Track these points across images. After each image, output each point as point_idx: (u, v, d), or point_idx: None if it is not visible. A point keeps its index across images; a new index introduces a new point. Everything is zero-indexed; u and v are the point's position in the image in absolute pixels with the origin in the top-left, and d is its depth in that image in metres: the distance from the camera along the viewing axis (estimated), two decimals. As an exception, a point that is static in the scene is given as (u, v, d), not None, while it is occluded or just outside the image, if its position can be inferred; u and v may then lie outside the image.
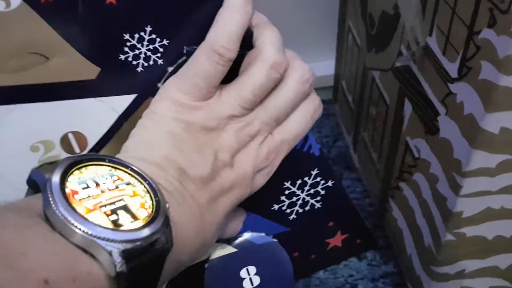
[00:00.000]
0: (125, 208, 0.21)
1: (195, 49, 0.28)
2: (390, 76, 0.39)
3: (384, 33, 0.40)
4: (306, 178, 0.36)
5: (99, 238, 0.19)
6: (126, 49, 0.26)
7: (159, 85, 0.28)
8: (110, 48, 0.26)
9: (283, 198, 0.36)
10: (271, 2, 0.59)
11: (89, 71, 0.26)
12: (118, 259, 0.19)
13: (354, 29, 0.49)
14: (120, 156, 0.25)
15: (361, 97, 0.49)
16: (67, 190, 0.20)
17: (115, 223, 0.20)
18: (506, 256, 0.36)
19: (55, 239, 0.19)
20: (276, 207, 0.36)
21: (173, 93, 0.26)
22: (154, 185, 0.23)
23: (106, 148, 0.29)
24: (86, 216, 0.20)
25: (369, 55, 0.45)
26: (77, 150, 0.28)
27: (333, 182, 0.37)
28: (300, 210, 0.38)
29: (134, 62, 0.27)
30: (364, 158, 0.51)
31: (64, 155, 0.28)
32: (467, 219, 0.33)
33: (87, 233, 0.19)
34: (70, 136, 0.28)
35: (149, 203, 0.22)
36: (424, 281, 0.39)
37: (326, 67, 0.62)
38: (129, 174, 0.23)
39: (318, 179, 0.36)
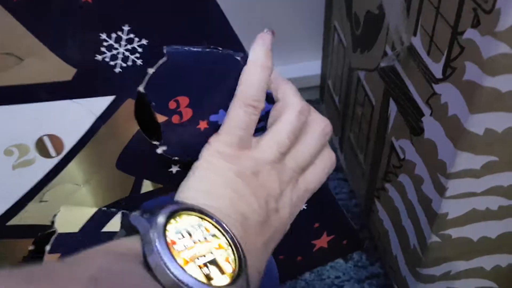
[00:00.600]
0: (214, 261, 0.23)
1: (175, 49, 0.27)
2: (376, 77, 0.39)
3: (369, 33, 0.39)
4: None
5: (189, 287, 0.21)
6: (103, 49, 0.25)
7: (140, 88, 0.27)
8: (86, 48, 0.25)
9: (267, 200, 0.36)
10: (258, 4, 0.58)
11: (65, 72, 0.25)
12: None
13: (340, 29, 0.48)
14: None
15: (347, 97, 0.49)
16: (168, 240, 0.22)
17: (208, 277, 0.22)
18: (491, 257, 0.36)
19: (153, 283, 0.21)
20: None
21: (219, 147, 0.28)
22: (235, 238, 0.24)
23: (84, 152, 0.28)
24: (184, 268, 0.21)
25: (355, 55, 0.44)
26: (53, 153, 0.27)
27: (318, 183, 0.36)
28: (285, 212, 0.37)
29: (112, 63, 0.26)
30: (350, 158, 0.51)
31: (39, 158, 0.27)
32: (452, 221, 0.33)
33: (186, 285, 0.21)
34: (46, 139, 0.27)
35: (232, 256, 0.23)
36: (410, 283, 0.39)
37: (313, 67, 0.62)
38: (214, 225, 0.24)
39: (303, 180, 0.36)
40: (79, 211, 0.30)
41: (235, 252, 0.24)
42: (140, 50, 0.26)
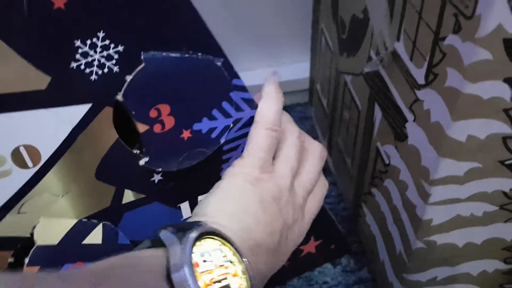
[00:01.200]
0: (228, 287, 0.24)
1: (153, 55, 0.27)
2: (361, 81, 0.39)
3: (354, 37, 0.39)
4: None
5: None
6: (78, 56, 0.25)
7: (118, 97, 0.27)
8: (60, 55, 0.25)
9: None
10: (247, 7, 0.58)
11: (39, 80, 0.25)
12: None
13: (327, 32, 0.48)
14: (207, 220, 0.27)
15: (335, 101, 0.49)
16: (193, 261, 0.23)
17: None
18: (477, 263, 0.36)
19: None
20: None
21: (244, 169, 0.30)
22: (248, 266, 0.25)
23: (61, 162, 0.27)
24: None
25: (341, 59, 0.44)
26: (30, 164, 0.27)
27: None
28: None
29: (87, 70, 0.25)
30: (338, 162, 0.51)
31: (15, 169, 0.27)
32: (437, 227, 0.32)
33: None
34: (22, 149, 0.26)
35: (244, 284, 0.25)
36: (396, 288, 0.39)
37: (302, 69, 0.61)
38: (233, 252, 0.25)
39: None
40: (59, 223, 0.29)
41: (248, 281, 0.25)
42: (116, 56, 0.26)
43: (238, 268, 0.25)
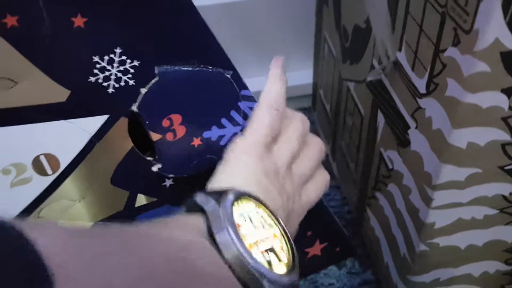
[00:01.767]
0: (273, 249, 0.24)
1: (166, 69, 0.28)
2: (364, 88, 0.40)
3: (357, 46, 0.40)
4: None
5: (257, 271, 0.22)
6: (96, 71, 0.26)
7: (133, 108, 0.28)
8: (80, 71, 0.26)
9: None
10: (252, 15, 0.59)
11: (59, 94, 0.26)
12: None
13: (330, 40, 0.49)
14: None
15: (338, 106, 0.50)
16: (235, 221, 0.23)
17: (269, 263, 0.23)
18: (479, 264, 0.37)
19: (218, 260, 0.22)
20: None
21: (246, 145, 0.30)
22: (287, 230, 0.25)
23: (79, 169, 0.29)
24: (250, 250, 0.22)
25: (344, 67, 0.45)
26: (49, 171, 0.28)
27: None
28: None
29: (105, 84, 0.27)
30: (342, 166, 0.52)
31: (36, 177, 0.28)
32: (440, 230, 0.34)
33: (250, 264, 0.22)
34: (42, 158, 0.28)
35: (285, 247, 0.25)
36: (400, 290, 0.40)
37: (306, 75, 0.62)
38: (269, 214, 0.25)
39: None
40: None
41: (287, 243, 0.25)
42: (132, 71, 0.27)
43: (276, 230, 0.25)
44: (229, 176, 0.29)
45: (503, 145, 0.28)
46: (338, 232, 0.42)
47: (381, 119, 0.38)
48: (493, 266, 0.38)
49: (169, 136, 0.30)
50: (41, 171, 0.28)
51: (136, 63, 0.27)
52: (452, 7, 0.25)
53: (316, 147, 0.34)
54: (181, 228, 0.22)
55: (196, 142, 0.31)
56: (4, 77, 0.24)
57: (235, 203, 0.24)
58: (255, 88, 0.33)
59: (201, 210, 0.24)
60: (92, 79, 0.26)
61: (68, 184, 0.29)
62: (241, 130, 0.32)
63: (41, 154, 0.27)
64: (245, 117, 0.32)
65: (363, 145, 0.43)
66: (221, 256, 0.22)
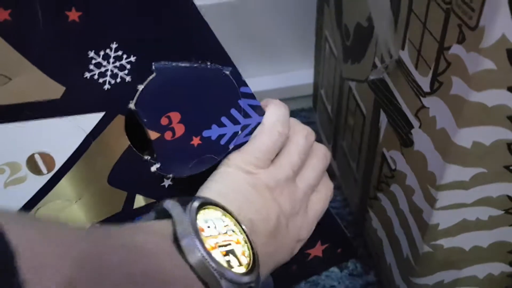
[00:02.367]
0: (233, 252, 0.25)
1: (164, 65, 0.27)
2: (366, 87, 0.39)
3: (359, 44, 0.39)
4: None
5: (216, 271, 0.23)
6: (92, 66, 0.26)
7: (130, 105, 0.28)
8: (75, 66, 0.25)
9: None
10: (252, 14, 0.59)
11: (54, 90, 0.25)
12: None
13: (331, 40, 0.49)
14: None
15: (339, 106, 0.49)
16: (198, 226, 0.24)
17: (228, 264, 0.24)
18: (484, 266, 0.36)
19: (182, 264, 0.23)
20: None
21: (238, 162, 0.31)
22: (250, 238, 0.27)
23: (75, 168, 0.28)
24: (211, 252, 0.24)
25: (346, 66, 0.45)
26: (44, 171, 0.27)
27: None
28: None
29: (101, 80, 0.26)
30: (343, 166, 0.51)
31: (30, 176, 0.27)
32: (444, 231, 0.33)
33: (211, 265, 0.23)
34: (37, 157, 0.27)
35: (247, 252, 0.26)
36: (403, 292, 0.39)
37: (306, 75, 0.62)
38: (233, 222, 0.27)
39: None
40: (71, 228, 0.30)
41: (250, 249, 0.26)
42: (128, 66, 0.26)
43: (240, 237, 0.26)
44: (214, 184, 0.30)
45: (509, 145, 0.28)
46: (340, 233, 0.41)
47: (383, 118, 0.37)
48: (497, 267, 0.37)
49: (168, 135, 0.29)
50: (36, 171, 0.27)
51: (132, 58, 0.26)
52: (457, 4, 0.24)
53: (320, 155, 0.34)
54: (148, 233, 0.24)
55: (196, 141, 0.30)
56: (-2, 74, 0.24)
57: (201, 210, 0.25)
58: (255, 88, 0.32)
59: (168, 216, 0.25)
60: (88, 75, 0.26)
61: (64, 184, 0.28)
62: (241, 129, 0.32)
63: (35, 153, 0.27)
64: (246, 115, 0.31)
65: (365, 145, 0.42)
66: (185, 260, 0.23)
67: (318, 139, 0.60)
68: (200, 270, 0.23)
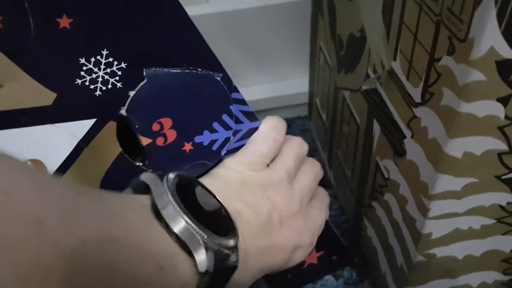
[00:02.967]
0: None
1: (155, 71, 0.28)
2: (360, 97, 0.39)
3: (352, 55, 0.40)
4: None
5: (200, 235, 0.23)
6: (83, 73, 0.26)
7: (122, 111, 0.28)
8: (66, 73, 0.25)
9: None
10: (248, 24, 0.59)
11: (45, 97, 0.25)
12: (211, 256, 0.23)
13: (325, 49, 0.49)
14: None
15: (334, 115, 0.49)
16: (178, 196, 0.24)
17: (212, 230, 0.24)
18: (477, 275, 0.37)
19: (162, 232, 0.23)
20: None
21: (231, 164, 0.31)
22: (229, 211, 0.27)
23: (67, 175, 0.28)
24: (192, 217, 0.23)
25: (339, 75, 0.45)
26: (37, 179, 0.28)
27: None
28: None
29: (92, 86, 0.26)
30: (339, 175, 0.52)
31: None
32: (437, 240, 0.33)
33: (197, 232, 0.23)
34: (29, 164, 0.27)
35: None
36: (397, 301, 0.40)
37: (302, 84, 0.62)
38: (213, 195, 0.27)
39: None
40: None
41: (229, 219, 0.27)
42: (119, 73, 0.26)
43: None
44: (204, 179, 0.30)
45: (500, 155, 0.28)
46: (335, 241, 0.41)
47: (376, 128, 0.37)
48: (491, 276, 0.37)
49: (160, 141, 0.29)
50: (29, 179, 0.27)
51: (123, 65, 0.26)
52: (447, 16, 0.25)
53: (312, 167, 0.35)
54: (127, 205, 0.23)
55: (188, 147, 0.30)
56: (-11, 81, 0.24)
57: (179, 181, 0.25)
58: (251, 98, 0.33)
59: (145, 190, 0.25)
60: (79, 81, 0.26)
61: (57, 193, 0.29)
62: (233, 135, 0.32)
63: (27, 160, 0.27)
64: (237, 121, 0.32)
65: (359, 153, 0.43)
66: (167, 230, 0.23)
67: (314, 147, 0.60)
68: (185, 237, 0.23)
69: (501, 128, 0.27)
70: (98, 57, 0.26)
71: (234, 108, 0.31)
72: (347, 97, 0.44)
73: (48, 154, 0.27)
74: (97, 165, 0.29)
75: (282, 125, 0.33)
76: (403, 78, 0.31)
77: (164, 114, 0.29)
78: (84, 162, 0.28)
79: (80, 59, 0.25)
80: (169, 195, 0.24)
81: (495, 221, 0.32)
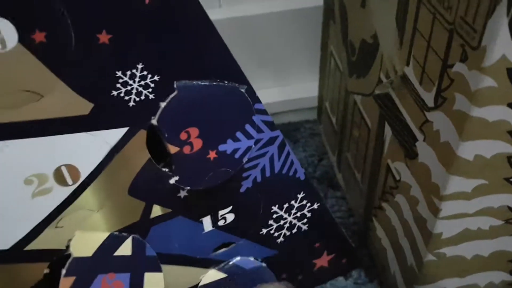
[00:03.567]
0: None
1: (185, 84, 0.29)
2: (371, 101, 0.41)
3: (364, 60, 0.41)
4: (292, 202, 0.37)
5: None
6: (119, 85, 0.27)
7: (153, 121, 0.29)
8: (103, 85, 0.27)
9: (271, 222, 0.37)
10: (260, 30, 0.60)
11: (83, 107, 0.27)
12: None
13: (336, 54, 0.50)
14: None
15: (344, 119, 0.51)
16: None
17: None
18: (484, 274, 0.38)
19: None
20: (264, 231, 0.37)
21: None
22: None
23: (98, 180, 0.30)
24: None
25: (351, 80, 0.46)
26: (69, 182, 0.29)
27: (318, 204, 0.38)
28: (288, 233, 0.39)
29: (126, 98, 0.28)
30: (348, 177, 0.53)
31: (56, 187, 0.29)
32: (447, 240, 0.34)
33: None
34: (63, 168, 0.28)
35: None
36: (408, 299, 0.41)
37: (311, 88, 0.64)
38: None
39: (304, 202, 0.37)
40: (93, 236, 0.31)
41: None
42: (152, 85, 0.28)
43: None
44: None
45: (509, 158, 0.29)
46: (345, 244, 0.43)
47: (388, 131, 0.39)
48: (498, 276, 0.38)
49: (186, 149, 0.31)
50: (62, 182, 0.29)
51: (156, 78, 0.28)
52: (460, 25, 0.26)
53: None
54: None
55: (212, 155, 0.32)
56: (32, 91, 0.25)
57: None
58: (262, 100, 0.34)
59: None
60: (115, 93, 0.27)
61: (88, 195, 0.30)
62: (255, 143, 0.33)
63: (62, 165, 0.28)
64: (259, 130, 0.33)
65: (369, 156, 0.44)
66: None
67: (323, 150, 0.62)
68: None
69: (510, 133, 0.28)
70: (134, 71, 0.27)
71: (257, 118, 0.32)
72: (358, 101, 0.45)
73: (82, 160, 0.29)
74: (127, 171, 0.31)
75: None
76: (416, 83, 0.32)
77: (191, 124, 0.30)
78: (115, 168, 0.30)
79: (117, 72, 0.27)
80: None
81: (503, 222, 0.34)
